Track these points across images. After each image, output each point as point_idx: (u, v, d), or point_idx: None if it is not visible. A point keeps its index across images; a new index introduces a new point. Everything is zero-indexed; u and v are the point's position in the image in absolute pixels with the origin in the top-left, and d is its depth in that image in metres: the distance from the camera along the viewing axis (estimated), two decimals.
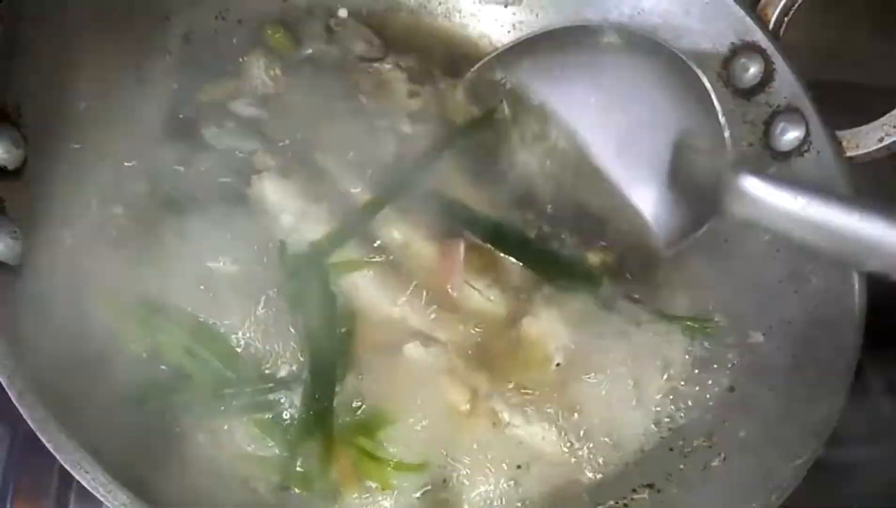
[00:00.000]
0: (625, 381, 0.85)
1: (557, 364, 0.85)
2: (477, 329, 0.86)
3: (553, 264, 0.92)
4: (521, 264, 0.91)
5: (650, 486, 0.80)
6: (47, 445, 0.60)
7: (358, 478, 0.76)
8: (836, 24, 1.21)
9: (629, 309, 0.90)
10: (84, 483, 0.60)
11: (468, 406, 0.80)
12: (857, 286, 0.83)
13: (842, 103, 0.92)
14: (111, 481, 0.60)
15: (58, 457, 0.60)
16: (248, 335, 0.80)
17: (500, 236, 0.92)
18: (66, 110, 0.82)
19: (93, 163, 0.84)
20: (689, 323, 0.89)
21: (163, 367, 0.78)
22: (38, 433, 0.61)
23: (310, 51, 1.01)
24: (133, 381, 0.74)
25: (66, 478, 0.82)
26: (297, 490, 0.75)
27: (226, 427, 0.77)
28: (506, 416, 0.81)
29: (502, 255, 0.91)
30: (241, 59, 0.98)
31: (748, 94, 0.97)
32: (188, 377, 0.78)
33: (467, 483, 0.78)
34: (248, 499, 0.72)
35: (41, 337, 0.68)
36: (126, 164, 0.88)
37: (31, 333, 0.67)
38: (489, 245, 0.91)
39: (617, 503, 0.79)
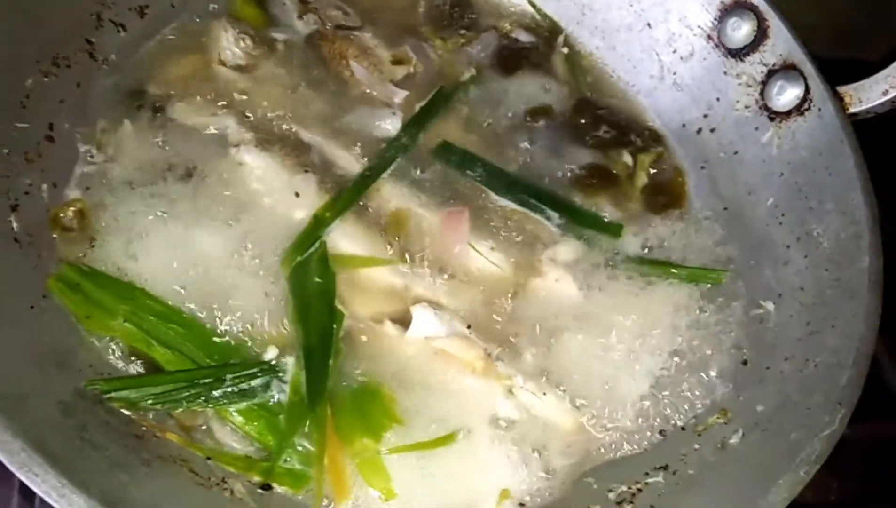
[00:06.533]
0: (633, 343, 0.82)
1: (565, 326, 0.81)
2: (483, 294, 0.82)
3: (573, 212, 0.90)
4: (540, 216, 0.88)
5: (664, 468, 0.75)
6: None
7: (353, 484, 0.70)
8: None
9: (638, 268, 0.87)
10: (34, 488, 0.55)
11: (483, 364, 0.77)
12: (871, 246, 0.78)
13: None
14: (65, 484, 0.54)
15: (2, 459, 0.54)
16: (226, 315, 0.75)
17: (515, 188, 0.89)
18: (10, 86, 0.76)
19: (42, 143, 0.78)
20: (699, 272, 0.87)
21: (131, 358, 0.72)
22: None
23: (283, 24, 0.96)
24: (93, 376, 0.68)
25: (29, 494, 0.76)
26: (281, 490, 0.69)
27: (204, 427, 0.71)
28: (519, 380, 0.77)
29: (509, 213, 0.88)
30: (205, 34, 0.92)
31: (741, 54, 0.94)
32: (158, 368, 0.72)
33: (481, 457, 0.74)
34: (225, 502, 0.65)
35: None
36: (81, 148, 0.82)
37: None
38: (505, 199, 0.88)
39: (630, 488, 0.73)
